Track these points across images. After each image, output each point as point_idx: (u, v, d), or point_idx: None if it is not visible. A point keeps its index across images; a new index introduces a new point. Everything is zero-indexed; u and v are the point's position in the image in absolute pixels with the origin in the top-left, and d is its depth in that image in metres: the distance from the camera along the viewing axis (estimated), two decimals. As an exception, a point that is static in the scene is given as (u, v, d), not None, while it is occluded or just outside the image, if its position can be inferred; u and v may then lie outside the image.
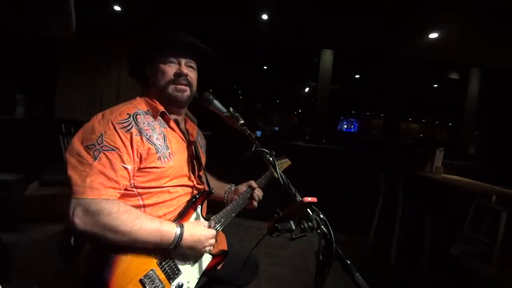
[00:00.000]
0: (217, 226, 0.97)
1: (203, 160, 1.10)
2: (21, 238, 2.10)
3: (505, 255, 2.44)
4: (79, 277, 0.78)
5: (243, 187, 1.17)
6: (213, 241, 0.87)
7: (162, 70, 0.90)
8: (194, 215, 0.91)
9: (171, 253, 0.82)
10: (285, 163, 1.40)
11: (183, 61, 0.93)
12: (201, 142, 1.13)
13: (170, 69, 0.91)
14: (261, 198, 1.19)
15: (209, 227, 0.89)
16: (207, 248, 0.86)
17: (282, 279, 2.04)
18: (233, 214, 1.06)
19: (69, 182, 0.72)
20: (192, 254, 0.86)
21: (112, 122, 0.78)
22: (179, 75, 0.91)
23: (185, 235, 0.79)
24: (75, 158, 0.74)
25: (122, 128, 0.78)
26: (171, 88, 0.91)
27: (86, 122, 0.81)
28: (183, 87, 0.92)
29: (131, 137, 0.78)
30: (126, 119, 0.80)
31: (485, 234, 2.68)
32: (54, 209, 2.33)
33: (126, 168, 0.77)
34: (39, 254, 1.95)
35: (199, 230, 0.84)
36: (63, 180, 0.74)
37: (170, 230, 0.77)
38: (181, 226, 0.80)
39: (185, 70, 0.92)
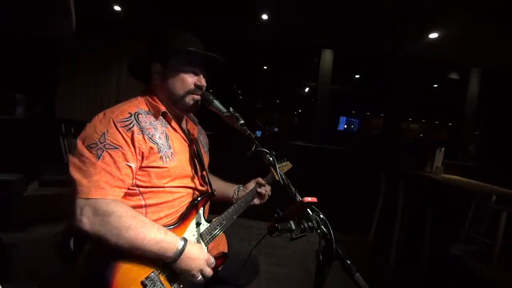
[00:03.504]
0: (218, 228, 0.97)
1: (206, 160, 1.10)
2: (21, 238, 2.11)
3: (505, 255, 2.44)
4: (79, 278, 0.78)
5: (251, 184, 1.19)
6: (209, 270, 0.83)
7: (183, 78, 0.90)
8: (195, 217, 0.91)
9: None
10: (286, 165, 1.39)
11: (202, 73, 0.94)
12: (203, 142, 1.12)
13: (191, 79, 0.91)
14: (269, 193, 1.20)
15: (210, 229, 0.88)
16: (199, 276, 0.80)
17: (282, 279, 2.04)
18: (234, 217, 1.06)
19: (73, 183, 0.71)
20: (184, 274, 0.80)
21: (113, 121, 0.77)
22: (199, 87, 0.92)
23: (185, 252, 0.77)
24: (78, 158, 0.73)
25: (123, 126, 0.77)
26: (189, 98, 0.92)
27: (89, 122, 0.80)
28: (198, 97, 0.93)
29: (132, 135, 0.77)
30: (127, 118, 0.80)
31: (485, 234, 2.68)
32: (54, 209, 2.33)
33: (130, 166, 0.76)
34: (39, 254, 1.95)
35: (201, 250, 0.83)
36: (63, 180, 0.73)
37: (173, 244, 0.76)
38: (185, 241, 0.79)
39: (204, 82, 0.94)
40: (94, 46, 3.37)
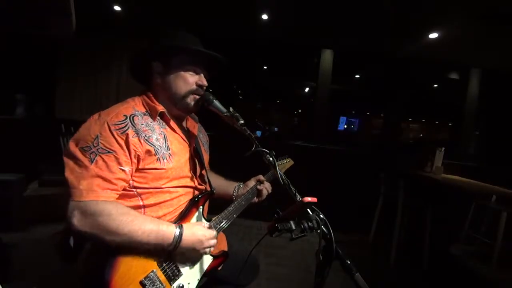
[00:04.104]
0: (218, 227, 0.97)
1: (206, 158, 1.09)
2: (21, 238, 2.11)
3: (505, 255, 2.44)
4: (79, 278, 0.78)
5: (252, 182, 1.18)
6: (213, 241, 0.86)
7: (184, 77, 0.90)
8: (195, 215, 0.91)
9: (172, 255, 0.81)
10: (288, 163, 1.39)
11: (203, 72, 0.94)
12: (203, 140, 1.12)
13: (192, 78, 0.91)
14: (270, 191, 1.19)
15: (210, 227, 0.89)
16: (207, 249, 0.85)
17: (282, 279, 2.04)
18: (234, 215, 1.05)
19: (67, 184, 0.72)
20: (192, 255, 0.85)
21: (107, 123, 0.76)
22: (201, 86, 0.92)
23: (184, 236, 0.78)
24: (72, 160, 0.73)
25: (117, 129, 0.76)
26: (190, 98, 0.92)
27: (84, 122, 0.80)
28: (199, 97, 0.93)
29: (126, 138, 0.77)
30: (122, 121, 0.78)
31: (485, 234, 2.68)
32: (54, 209, 2.33)
33: (123, 170, 0.76)
34: (39, 254, 1.95)
35: (199, 230, 0.83)
36: (63, 180, 0.73)
37: (169, 230, 0.77)
38: (180, 227, 0.79)
39: (205, 81, 0.94)
40: (94, 46, 3.37)
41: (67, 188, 0.71)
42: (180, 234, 0.78)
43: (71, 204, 0.70)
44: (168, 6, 2.84)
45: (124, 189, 0.79)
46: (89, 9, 2.95)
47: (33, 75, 3.33)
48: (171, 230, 0.77)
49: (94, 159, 0.73)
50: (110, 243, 0.71)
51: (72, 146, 0.75)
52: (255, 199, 1.18)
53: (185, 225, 0.81)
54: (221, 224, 0.98)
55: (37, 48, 3.23)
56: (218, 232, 0.97)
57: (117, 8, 2.97)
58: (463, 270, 2.55)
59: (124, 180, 0.77)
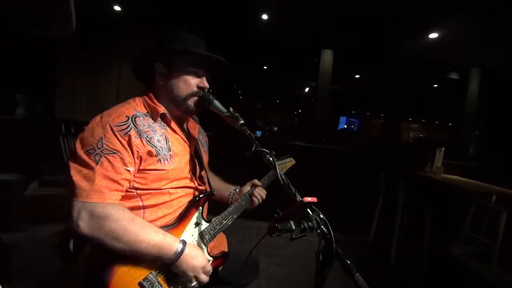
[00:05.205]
0: (218, 228, 0.97)
1: (205, 159, 1.09)
2: (21, 238, 2.11)
3: (505, 255, 2.44)
4: (78, 279, 0.78)
5: (247, 187, 1.17)
6: (205, 278, 0.83)
7: (186, 80, 0.90)
8: (195, 215, 0.91)
9: None
10: (289, 162, 1.38)
11: (205, 75, 0.94)
12: (202, 141, 1.12)
13: (194, 81, 0.91)
14: (263, 197, 1.17)
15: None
16: (194, 282, 0.81)
17: (282, 279, 2.04)
18: (235, 216, 1.05)
19: (72, 186, 0.71)
20: (180, 276, 0.80)
21: (110, 125, 0.77)
22: (202, 88, 0.92)
23: (184, 254, 0.77)
24: (78, 163, 0.74)
25: (120, 130, 0.77)
26: (191, 101, 0.92)
27: (87, 125, 0.80)
28: (199, 98, 0.93)
29: (129, 139, 0.77)
30: (124, 122, 0.79)
31: (485, 234, 2.68)
32: (54, 209, 2.33)
33: (128, 171, 0.76)
34: (39, 254, 1.95)
35: (200, 257, 0.82)
36: (63, 180, 0.73)
37: (172, 245, 0.76)
38: (184, 243, 0.79)
39: (207, 83, 0.94)
40: (94, 46, 3.37)
41: (73, 189, 0.71)
42: (182, 251, 0.77)
43: (76, 204, 0.70)
44: (168, 6, 2.84)
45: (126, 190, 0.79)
46: (89, 9, 2.95)
47: (33, 75, 3.33)
48: (174, 246, 0.77)
49: (99, 160, 0.73)
50: (111, 248, 0.71)
51: (78, 149, 0.75)
52: (248, 207, 1.16)
53: (188, 246, 0.79)
54: (221, 226, 0.98)
55: (37, 48, 3.23)
56: (217, 233, 0.97)
57: (117, 8, 2.97)
58: (463, 270, 2.55)
59: (128, 180, 0.77)
